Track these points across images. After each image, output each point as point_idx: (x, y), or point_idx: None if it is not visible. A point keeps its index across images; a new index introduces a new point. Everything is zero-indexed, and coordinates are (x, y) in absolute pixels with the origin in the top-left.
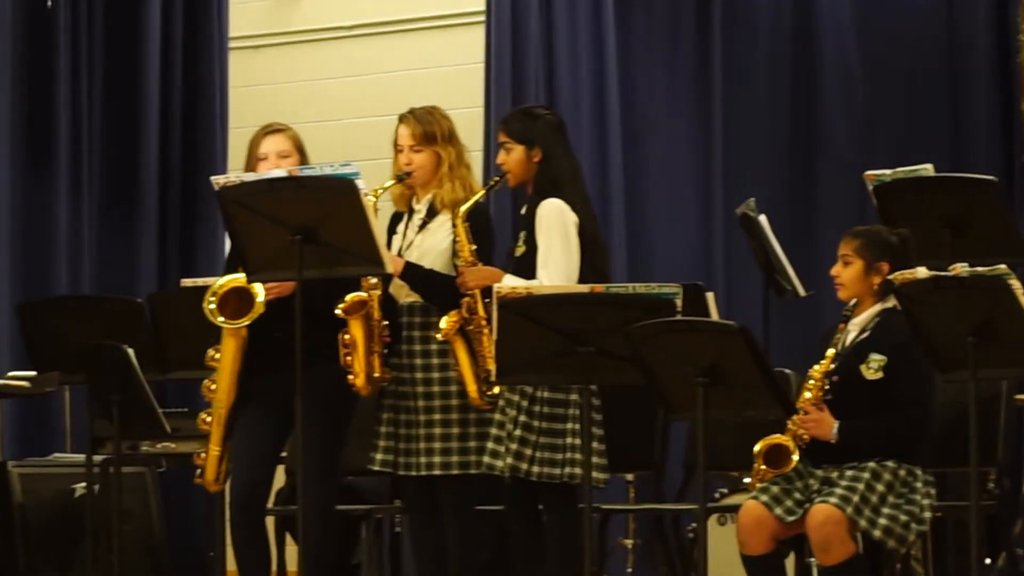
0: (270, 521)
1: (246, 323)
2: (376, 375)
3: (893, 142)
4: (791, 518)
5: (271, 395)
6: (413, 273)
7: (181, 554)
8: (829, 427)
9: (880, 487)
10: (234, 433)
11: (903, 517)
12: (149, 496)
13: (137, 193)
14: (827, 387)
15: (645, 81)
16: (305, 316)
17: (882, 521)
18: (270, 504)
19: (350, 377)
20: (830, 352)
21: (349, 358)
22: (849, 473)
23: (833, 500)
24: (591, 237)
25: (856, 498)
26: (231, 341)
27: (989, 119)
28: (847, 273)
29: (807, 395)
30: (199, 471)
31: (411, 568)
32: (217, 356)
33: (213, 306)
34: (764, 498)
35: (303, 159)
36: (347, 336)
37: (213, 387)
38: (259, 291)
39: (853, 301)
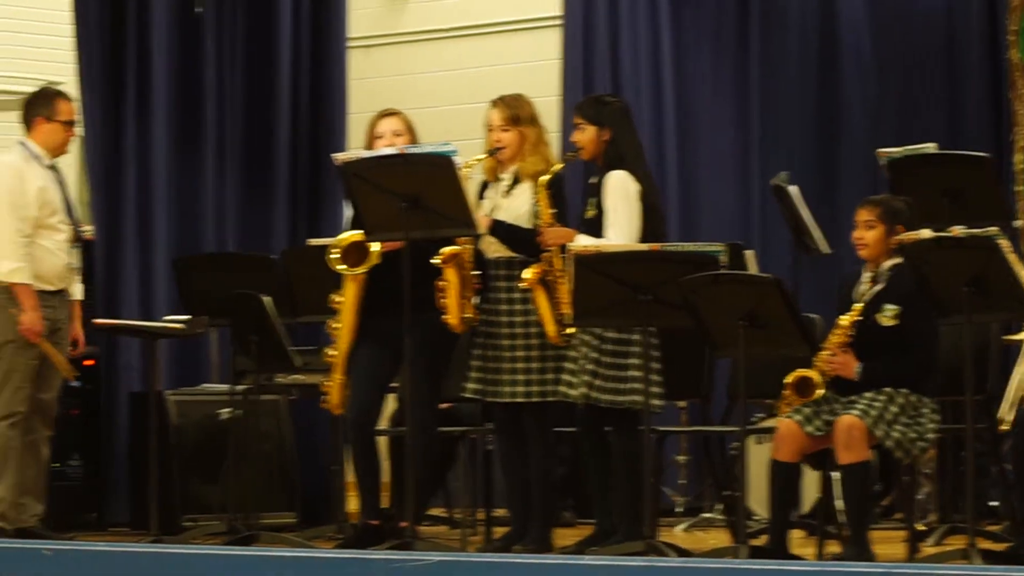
0: (384, 441)
1: (363, 271)
2: (467, 316)
3: (901, 124)
4: (819, 433)
5: (385, 334)
6: (499, 228)
7: (308, 469)
8: (852, 368)
9: (894, 408)
10: (353, 365)
11: (911, 435)
12: (282, 420)
13: (272, 167)
14: (851, 333)
15: (695, 73)
16: (416, 270)
17: (894, 435)
18: (385, 427)
19: (444, 317)
20: (857, 305)
21: (444, 301)
22: (868, 395)
23: (856, 412)
24: (651, 204)
25: (875, 412)
26: (351, 286)
27: (982, 104)
28: (871, 235)
29: (834, 339)
30: (323, 397)
31: (500, 480)
32: (339, 299)
33: (336, 256)
34: (797, 417)
35: (413, 138)
36: (442, 283)
37: (336, 325)
38: (375, 244)
39: (881, 264)
